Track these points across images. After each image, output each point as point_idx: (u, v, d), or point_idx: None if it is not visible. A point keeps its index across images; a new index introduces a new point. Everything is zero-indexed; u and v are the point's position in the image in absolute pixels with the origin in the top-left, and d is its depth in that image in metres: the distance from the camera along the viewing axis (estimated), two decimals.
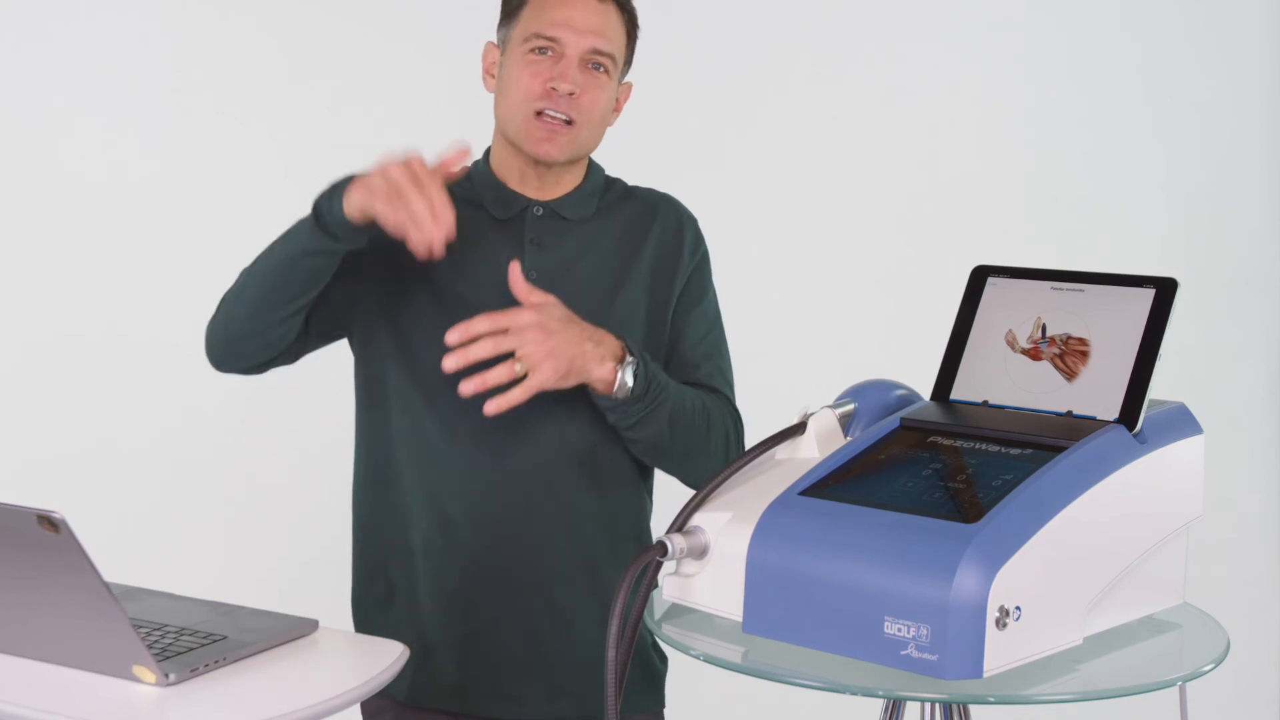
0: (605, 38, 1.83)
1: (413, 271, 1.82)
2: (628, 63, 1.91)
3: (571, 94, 1.81)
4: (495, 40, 1.90)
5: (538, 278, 1.82)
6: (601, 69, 1.84)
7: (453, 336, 1.67)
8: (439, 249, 1.64)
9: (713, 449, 1.83)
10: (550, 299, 1.72)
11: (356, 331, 1.90)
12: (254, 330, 1.80)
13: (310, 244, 1.73)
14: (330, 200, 1.71)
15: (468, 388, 1.67)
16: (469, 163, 1.77)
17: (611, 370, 1.72)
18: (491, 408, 1.68)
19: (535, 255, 1.85)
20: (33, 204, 3.07)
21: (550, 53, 1.82)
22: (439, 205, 1.63)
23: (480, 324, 1.68)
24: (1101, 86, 3.29)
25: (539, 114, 1.82)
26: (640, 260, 1.89)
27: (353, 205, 1.67)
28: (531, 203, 1.88)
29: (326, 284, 1.79)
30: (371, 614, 1.91)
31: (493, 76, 1.89)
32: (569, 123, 1.82)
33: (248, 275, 1.81)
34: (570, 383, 1.70)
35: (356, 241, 1.74)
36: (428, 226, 1.62)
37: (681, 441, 1.81)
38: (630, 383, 1.73)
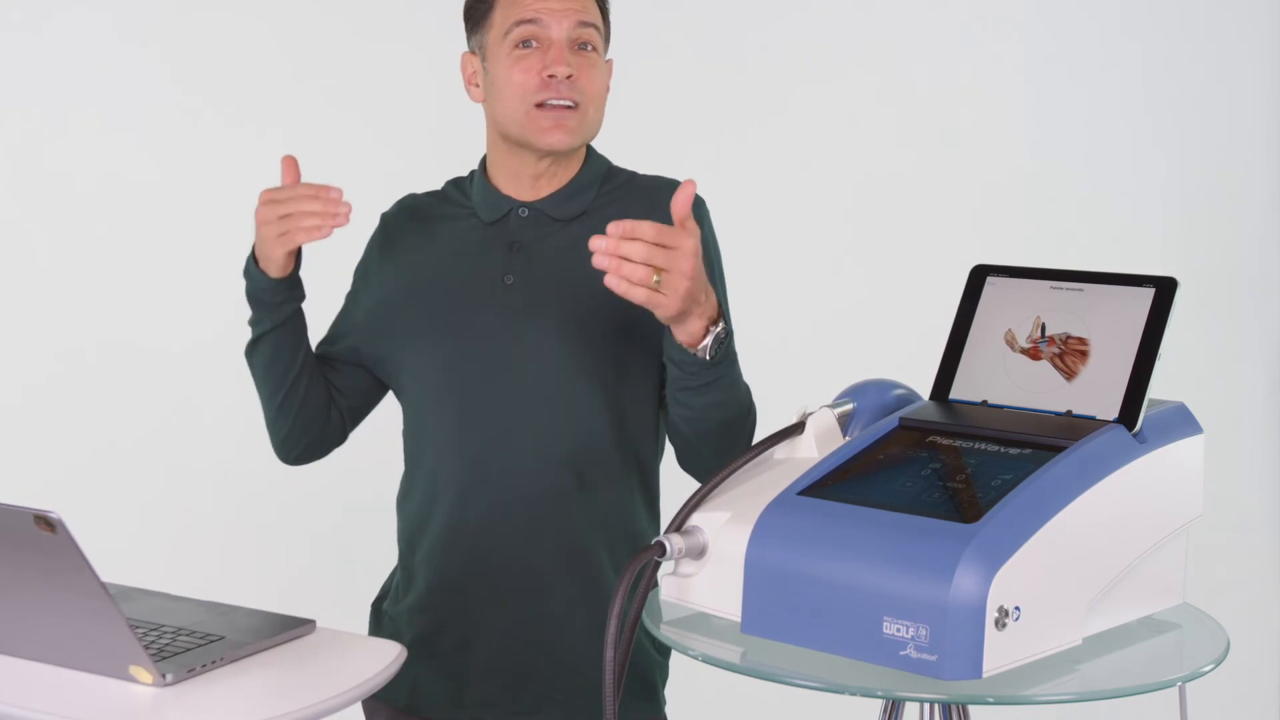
0: (585, 11, 1.80)
1: (402, 300, 1.86)
2: (607, 39, 1.86)
3: (570, 76, 1.77)
4: (469, 50, 1.87)
5: (515, 282, 1.80)
6: (589, 47, 1.80)
7: (616, 229, 1.53)
8: (343, 216, 1.67)
9: (746, 436, 1.77)
10: (698, 232, 1.56)
11: (388, 382, 1.94)
12: (281, 425, 1.89)
13: (259, 327, 1.81)
14: (250, 280, 1.78)
15: (605, 263, 1.53)
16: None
17: (703, 329, 1.62)
18: (612, 281, 1.53)
19: (516, 260, 1.82)
20: (30, 207, 3.07)
21: (535, 43, 1.78)
22: (310, 190, 1.68)
23: (646, 231, 1.53)
24: (1101, 86, 3.29)
25: (540, 105, 1.78)
26: None
27: (268, 263, 1.74)
28: (518, 204, 1.85)
29: (345, 375, 1.91)
30: (379, 619, 1.94)
31: (476, 86, 1.85)
32: (573, 107, 1.78)
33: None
34: (669, 320, 1.60)
35: (289, 298, 1.79)
36: (321, 211, 1.66)
37: (729, 418, 1.73)
38: (713, 346, 1.63)
